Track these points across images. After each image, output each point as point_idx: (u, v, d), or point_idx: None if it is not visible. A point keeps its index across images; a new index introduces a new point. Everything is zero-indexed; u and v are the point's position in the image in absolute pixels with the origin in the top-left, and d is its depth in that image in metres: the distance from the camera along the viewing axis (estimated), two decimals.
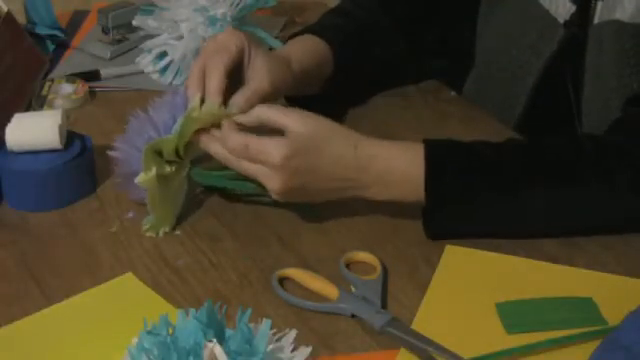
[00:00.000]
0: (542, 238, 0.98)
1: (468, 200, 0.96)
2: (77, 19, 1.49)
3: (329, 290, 0.91)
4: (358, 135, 0.96)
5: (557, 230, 0.98)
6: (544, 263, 0.95)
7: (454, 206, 0.96)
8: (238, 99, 0.98)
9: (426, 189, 0.95)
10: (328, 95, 1.16)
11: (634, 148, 0.97)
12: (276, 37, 1.39)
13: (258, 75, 1.01)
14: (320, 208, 1.04)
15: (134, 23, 1.35)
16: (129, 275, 0.94)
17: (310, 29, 1.18)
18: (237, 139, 0.95)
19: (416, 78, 1.30)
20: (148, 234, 1.00)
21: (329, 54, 1.15)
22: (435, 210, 0.96)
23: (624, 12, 1.06)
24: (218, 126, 0.97)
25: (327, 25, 1.20)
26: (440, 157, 0.96)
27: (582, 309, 0.89)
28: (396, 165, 0.96)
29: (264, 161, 0.93)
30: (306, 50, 1.13)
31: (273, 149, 0.93)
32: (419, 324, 0.87)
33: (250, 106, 0.98)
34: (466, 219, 0.97)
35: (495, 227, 0.98)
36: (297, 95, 1.12)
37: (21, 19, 1.37)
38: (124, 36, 1.39)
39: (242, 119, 0.97)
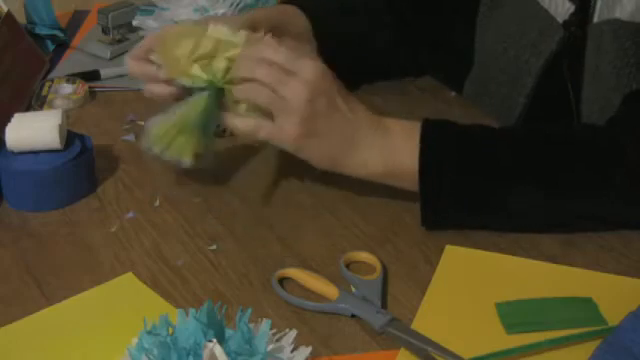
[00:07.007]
0: (536, 232, 0.99)
1: (461, 171, 0.97)
2: (77, 19, 1.49)
3: (329, 290, 0.91)
4: None
5: (547, 217, 0.99)
6: (544, 263, 0.95)
7: (448, 175, 0.97)
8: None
9: (420, 154, 0.96)
10: None
11: (628, 144, 0.98)
12: None
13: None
14: (320, 208, 1.04)
15: (134, 23, 1.35)
16: (129, 275, 0.94)
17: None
18: (281, 49, 0.97)
19: (416, 78, 1.30)
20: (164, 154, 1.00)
21: (300, 14, 1.19)
22: (429, 178, 0.97)
23: (623, 11, 1.06)
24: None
25: None
26: (435, 128, 0.98)
27: (582, 309, 0.89)
28: (394, 131, 0.99)
29: (299, 71, 0.95)
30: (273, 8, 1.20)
31: (310, 62, 0.96)
32: (419, 324, 0.87)
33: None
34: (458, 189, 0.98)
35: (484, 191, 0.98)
36: None
37: (21, 19, 1.37)
38: (124, 36, 1.39)
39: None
